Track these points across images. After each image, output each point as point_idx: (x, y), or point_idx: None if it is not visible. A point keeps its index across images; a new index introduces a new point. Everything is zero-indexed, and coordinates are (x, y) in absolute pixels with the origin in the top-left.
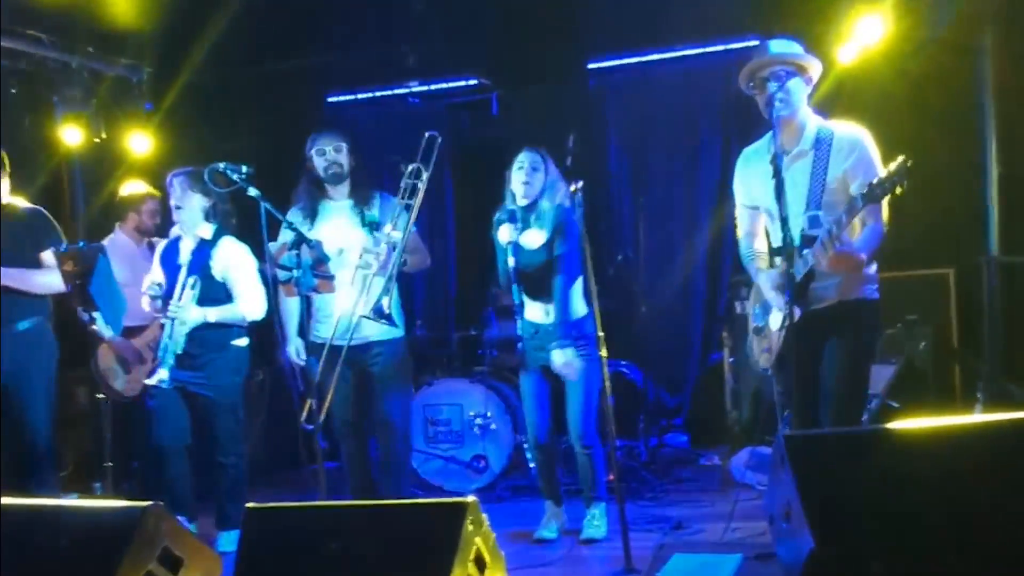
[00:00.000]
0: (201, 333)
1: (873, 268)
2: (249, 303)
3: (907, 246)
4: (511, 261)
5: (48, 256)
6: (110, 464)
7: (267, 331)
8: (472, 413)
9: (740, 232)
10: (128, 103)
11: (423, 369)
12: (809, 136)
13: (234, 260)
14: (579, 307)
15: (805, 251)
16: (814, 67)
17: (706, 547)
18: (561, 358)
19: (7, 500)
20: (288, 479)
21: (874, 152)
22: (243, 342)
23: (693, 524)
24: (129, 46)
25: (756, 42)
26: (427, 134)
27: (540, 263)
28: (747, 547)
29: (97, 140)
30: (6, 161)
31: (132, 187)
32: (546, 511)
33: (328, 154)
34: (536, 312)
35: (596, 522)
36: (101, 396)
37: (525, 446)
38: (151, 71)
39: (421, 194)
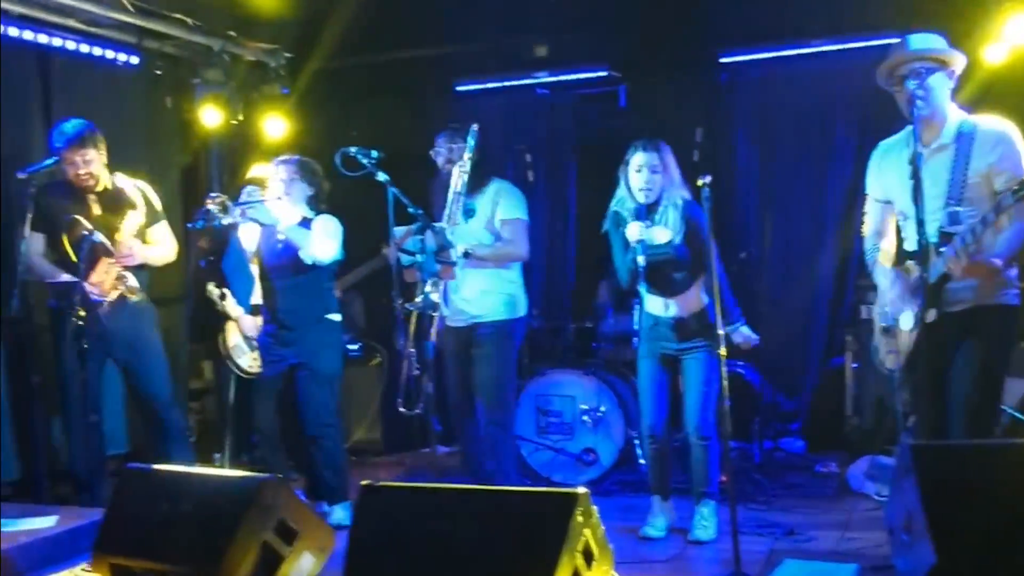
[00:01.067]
0: (295, 307)
1: (1014, 271)
2: (319, 245)
3: None
4: (640, 260)
5: (156, 230)
6: (232, 436)
7: (385, 315)
8: (584, 406)
9: (867, 228)
10: (266, 86)
11: (536, 359)
12: (950, 130)
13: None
14: (702, 299)
15: (942, 249)
16: (957, 61)
17: (819, 555)
18: (739, 336)
19: (134, 465)
20: (402, 461)
21: (1022, 147)
22: (336, 316)
23: (806, 531)
24: (268, 31)
25: (896, 39)
26: (472, 127)
27: (666, 258)
28: (863, 558)
29: (234, 122)
30: (104, 142)
31: (258, 170)
32: (653, 508)
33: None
34: (656, 305)
35: (705, 522)
36: (231, 371)
37: (636, 441)
38: (289, 56)
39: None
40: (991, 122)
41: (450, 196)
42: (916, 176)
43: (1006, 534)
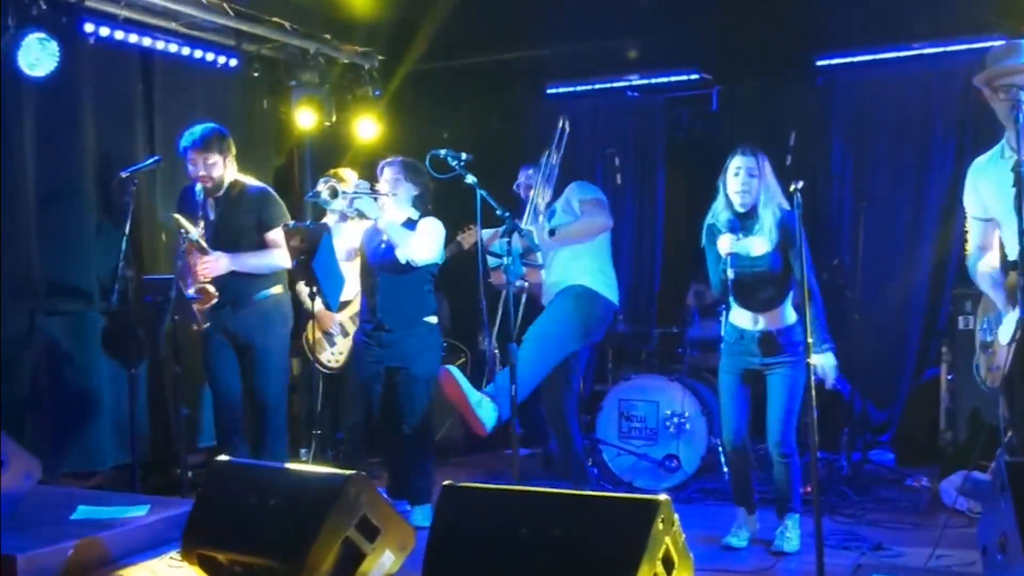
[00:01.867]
0: (393, 309)
1: None
2: (415, 244)
3: None
4: (730, 273)
5: (274, 234)
6: (318, 432)
7: (471, 316)
8: (668, 412)
9: (970, 246)
10: (359, 89)
11: (621, 364)
12: None
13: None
14: (790, 315)
15: None
16: None
17: (908, 572)
18: (819, 360)
19: (224, 458)
20: (483, 462)
21: None
22: (434, 319)
23: (894, 547)
24: (362, 34)
25: (1000, 42)
26: (561, 122)
27: (759, 271)
28: None
29: (328, 124)
30: (232, 145)
31: (344, 173)
32: (737, 518)
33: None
34: (744, 319)
35: (788, 534)
36: (319, 368)
37: (720, 449)
38: (382, 58)
39: (540, 179)
40: None
41: (533, 195)
42: (1019, 183)
43: None
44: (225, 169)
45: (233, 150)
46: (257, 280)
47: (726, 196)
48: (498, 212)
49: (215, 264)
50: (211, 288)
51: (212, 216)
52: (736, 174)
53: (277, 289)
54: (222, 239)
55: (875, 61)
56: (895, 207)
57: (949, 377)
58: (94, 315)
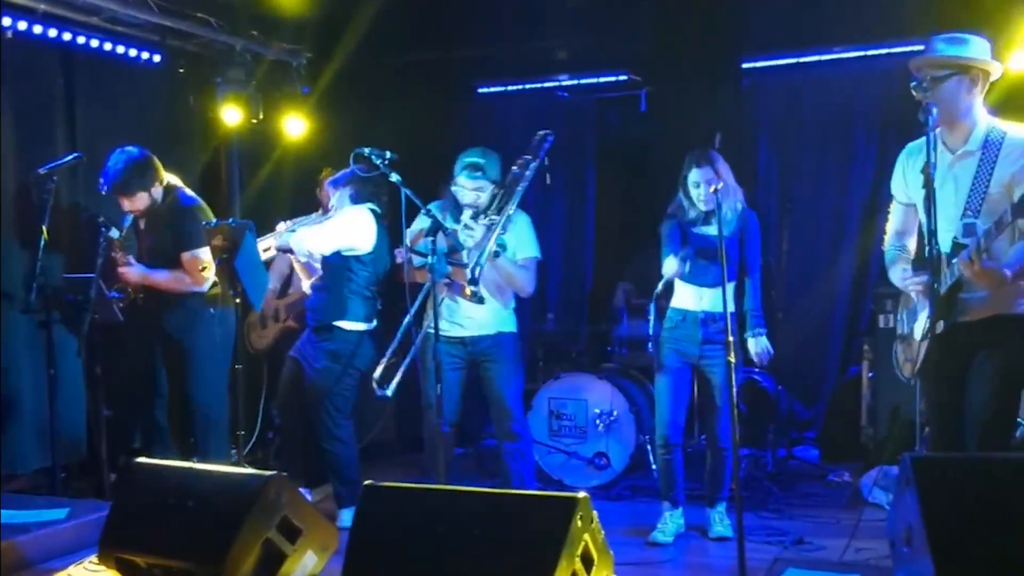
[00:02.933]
0: (317, 307)
1: None
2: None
3: None
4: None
5: (188, 256)
6: (242, 432)
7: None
8: (597, 410)
9: (889, 229)
10: (286, 86)
11: (552, 362)
12: (978, 136)
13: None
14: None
15: (954, 260)
16: (983, 66)
17: (824, 565)
18: (757, 346)
19: (143, 460)
20: (416, 462)
21: None
22: (349, 324)
23: (815, 540)
24: (290, 31)
25: (920, 47)
26: (540, 132)
27: (715, 251)
28: (868, 568)
29: (254, 121)
30: (156, 168)
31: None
32: (663, 514)
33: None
34: (688, 298)
35: (724, 520)
36: (239, 367)
37: (648, 447)
38: (310, 56)
39: (522, 186)
40: (1021, 130)
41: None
42: (928, 186)
43: (1006, 549)
44: (152, 197)
45: (159, 173)
46: None
47: (690, 199)
48: (423, 211)
49: (128, 273)
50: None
51: (143, 226)
52: (697, 187)
53: (213, 290)
54: (145, 248)
55: (798, 64)
56: (819, 208)
57: (870, 375)
58: (14, 314)
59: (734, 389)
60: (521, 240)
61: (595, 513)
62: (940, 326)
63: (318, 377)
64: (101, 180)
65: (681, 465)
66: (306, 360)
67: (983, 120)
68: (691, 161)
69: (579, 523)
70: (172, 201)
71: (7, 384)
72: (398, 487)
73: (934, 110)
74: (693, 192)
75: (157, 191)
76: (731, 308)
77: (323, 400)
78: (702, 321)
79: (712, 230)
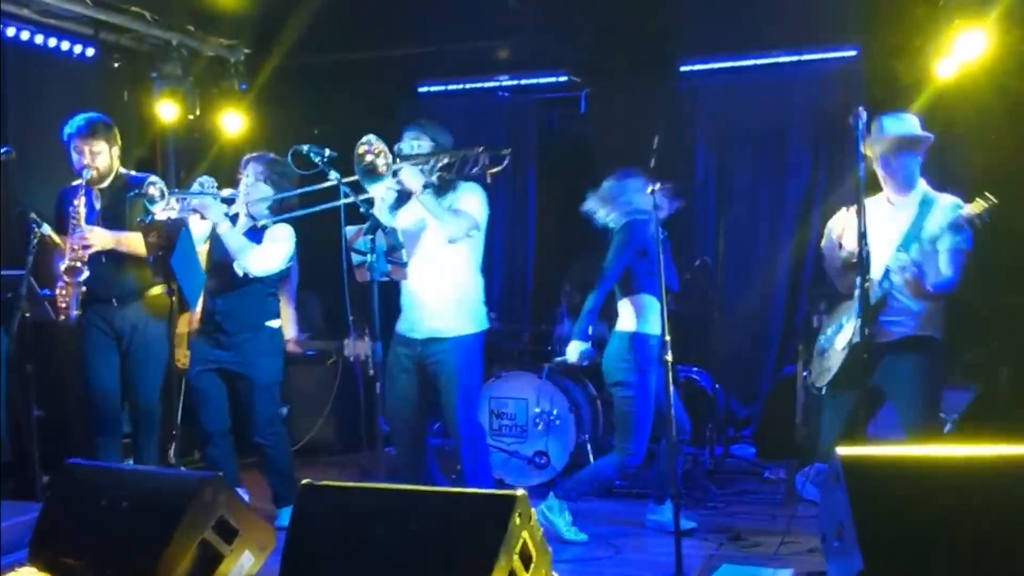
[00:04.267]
0: (234, 313)
1: (940, 310)
2: (255, 257)
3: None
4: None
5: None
6: (175, 433)
7: (340, 318)
8: (537, 409)
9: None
10: (224, 82)
11: (494, 361)
12: (915, 197)
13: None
14: (644, 325)
15: (884, 282)
16: (926, 141)
17: (757, 560)
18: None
19: (75, 461)
20: (354, 461)
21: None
22: (277, 323)
23: (752, 536)
24: (228, 26)
25: (853, 52)
26: (503, 151)
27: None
28: (801, 563)
29: (191, 117)
30: (118, 136)
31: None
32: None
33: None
34: None
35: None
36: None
37: (588, 446)
38: (248, 52)
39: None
40: (949, 200)
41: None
42: (857, 189)
43: (934, 543)
44: (111, 159)
45: (119, 141)
46: (143, 276)
47: None
48: (362, 210)
49: (94, 236)
50: (82, 265)
51: (98, 206)
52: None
53: (159, 289)
54: (108, 228)
55: (735, 68)
56: (755, 210)
57: (805, 374)
58: None
59: (671, 389)
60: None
61: (534, 511)
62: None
63: (270, 376)
64: (66, 128)
65: None
66: (245, 368)
67: (922, 185)
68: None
69: (518, 520)
70: (126, 178)
71: None
72: (336, 485)
73: (864, 113)
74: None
75: (115, 155)
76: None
77: (268, 395)
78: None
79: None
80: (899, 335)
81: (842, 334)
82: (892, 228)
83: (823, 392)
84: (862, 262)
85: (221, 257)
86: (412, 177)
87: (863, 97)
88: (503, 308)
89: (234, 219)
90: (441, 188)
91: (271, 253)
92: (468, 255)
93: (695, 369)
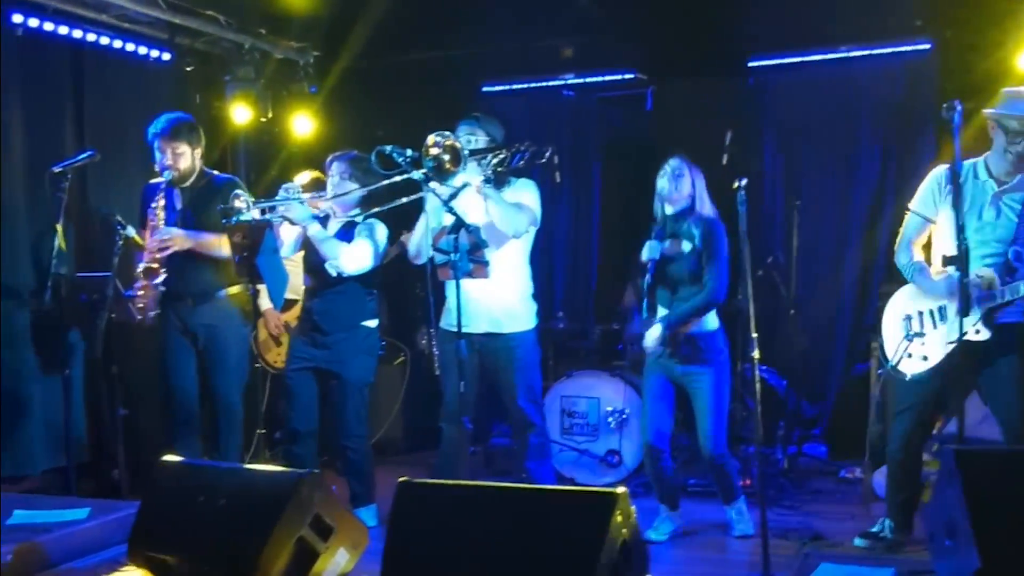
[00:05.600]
0: (330, 312)
1: None
2: (347, 256)
3: None
4: (647, 278)
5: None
6: (262, 431)
7: (410, 313)
8: (609, 408)
9: (902, 237)
10: (294, 84)
11: (562, 361)
12: None
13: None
14: (710, 321)
15: (1010, 281)
16: None
17: (855, 559)
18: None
19: (170, 458)
20: (423, 460)
21: None
22: (373, 323)
23: (832, 537)
24: (298, 29)
25: (926, 46)
26: (547, 151)
27: (679, 272)
28: (895, 562)
29: (263, 119)
30: (201, 136)
31: (304, 176)
32: (660, 513)
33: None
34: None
35: (744, 517)
36: (258, 366)
37: None
38: (318, 54)
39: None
40: None
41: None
42: (956, 183)
43: None
44: (193, 160)
45: (202, 141)
46: (220, 276)
47: (658, 199)
48: (446, 209)
49: (172, 239)
50: (159, 268)
51: (179, 206)
52: (662, 176)
53: (239, 288)
54: (184, 224)
55: (804, 63)
56: (825, 206)
57: (879, 372)
58: (25, 315)
59: (757, 386)
60: (521, 195)
61: (633, 508)
62: (984, 333)
63: (360, 374)
64: (151, 128)
65: (670, 470)
66: (338, 367)
67: None
68: (671, 157)
69: (618, 519)
70: (211, 178)
71: (17, 385)
72: (434, 483)
73: (959, 105)
74: (659, 183)
75: (198, 155)
76: (714, 326)
77: (360, 396)
78: (681, 343)
79: (671, 248)
80: (1005, 321)
81: (949, 323)
82: (991, 214)
83: (906, 379)
84: (962, 258)
85: (315, 258)
86: (472, 172)
87: (936, 91)
88: (568, 307)
89: (324, 220)
90: (497, 183)
91: (362, 251)
92: (523, 250)
93: (764, 367)
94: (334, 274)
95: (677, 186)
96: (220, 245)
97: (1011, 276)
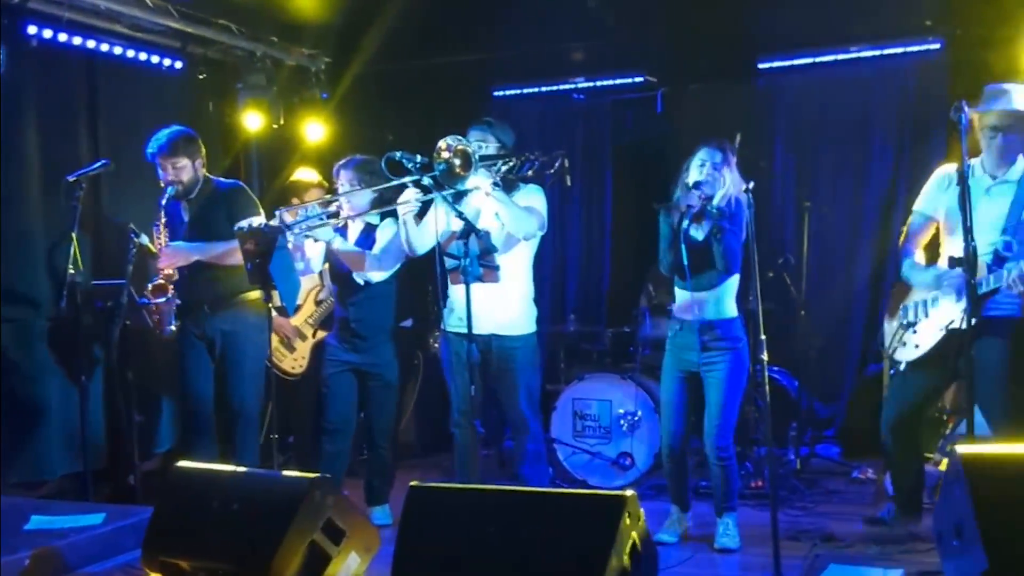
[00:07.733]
0: (365, 318)
1: None
2: (372, 264)
3: None
4: (683, 249)
5: None
6: (275, 436)
7: (420, 317)
8: (621, 410)
9: (904, 235)
10: (306, 91)
11: (573, 363)
12: (1017, 169)
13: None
14: (730, 308)
15: (997, 269)
16: None
17: (864, 559)
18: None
19: (184, 463)
20: (436, 463)
21: None
22: (407, 323)
23: (844, 538)
24: (309, 36)
25: (937, 45)
26: (557, 161)
27: (709, 250)
28: (906, 563)
29: (275, 126)
30: (201, 146)
31: (303, 174)
32: (671, 515)
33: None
34: (684, 305)
35: (730, 531)
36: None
37: None
38: (329, 61)
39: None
40: None
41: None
42: (964, 183)
43: None
44: (195, 171)
45: (203, 151)
46: (235, 282)
47: (685, 184)
48: (456, 214)
49: (172, 256)
50: (168, 285)
51: (186, 218)
52: (702, 165)
53: (255, 293)
54: (191, 233)
55: (814, 65)
56: (836, 207)
57: (892, 372)
58: (41, 322)
59: (767, 387)
60: (530, 200)
61: (642, 511)
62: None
63: (396, 375)
64: (149, 147)
65: (686, 471)
66: (377, 368)
67: (1022, 160)
68: (704, 143)
69: (627, 521)
70: (214, 186)
71: (35, 392)
72: (444, 487)
73: (965, 106)
74: (694, 173)
75: (199, 167)
76: (734, 313)
77: (395, 395)
78: (699, 329)
79: (700, 233)
80: (1005, 312)
81: (938, 311)
82: (985, 207)
83: (901, 367)
84: (968, 257)
85: (341, 268)
86: (481, 176)
87: (948, 90)
88: (580, 310)
89: (343, 231)
90: (505, 188)
91: (383, 258)
92: (527, 254)
93: (776, 368)
94: (361, 282)
95: (713, 176)
96: (231, 252)
97: (999, 266)
